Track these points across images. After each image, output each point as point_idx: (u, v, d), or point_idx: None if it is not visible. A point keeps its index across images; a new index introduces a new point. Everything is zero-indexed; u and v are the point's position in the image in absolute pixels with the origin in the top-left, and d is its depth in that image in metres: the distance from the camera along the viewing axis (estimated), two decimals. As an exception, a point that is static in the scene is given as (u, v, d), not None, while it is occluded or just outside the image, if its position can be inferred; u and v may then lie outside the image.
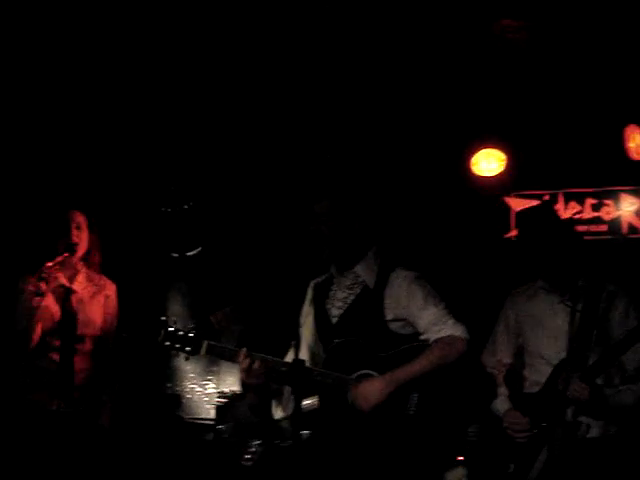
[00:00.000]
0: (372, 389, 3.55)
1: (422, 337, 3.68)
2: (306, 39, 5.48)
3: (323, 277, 3.96)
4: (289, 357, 3.79)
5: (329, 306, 3.83)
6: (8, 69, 5.44)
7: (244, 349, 3.58)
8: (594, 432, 3.77)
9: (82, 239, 4.78)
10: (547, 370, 3.90)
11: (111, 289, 4.92)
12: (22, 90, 5.64)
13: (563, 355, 3.84)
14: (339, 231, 3.73)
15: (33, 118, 5.84)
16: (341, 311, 3.78)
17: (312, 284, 3.96)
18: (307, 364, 3.55)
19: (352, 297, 3.78)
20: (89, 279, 4.85)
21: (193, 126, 6.26)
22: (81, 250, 4.77)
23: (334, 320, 3.78)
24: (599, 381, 3.77)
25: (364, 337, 3.68)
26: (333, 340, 3.72)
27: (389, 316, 3.70)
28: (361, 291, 3.77)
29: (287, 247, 5.55)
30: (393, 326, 3.70)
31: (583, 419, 3.74)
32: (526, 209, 4.39)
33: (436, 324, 3.64)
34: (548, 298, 4.03)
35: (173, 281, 6.78)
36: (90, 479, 4.59)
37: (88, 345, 4.73)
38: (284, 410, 3.83)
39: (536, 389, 3.94)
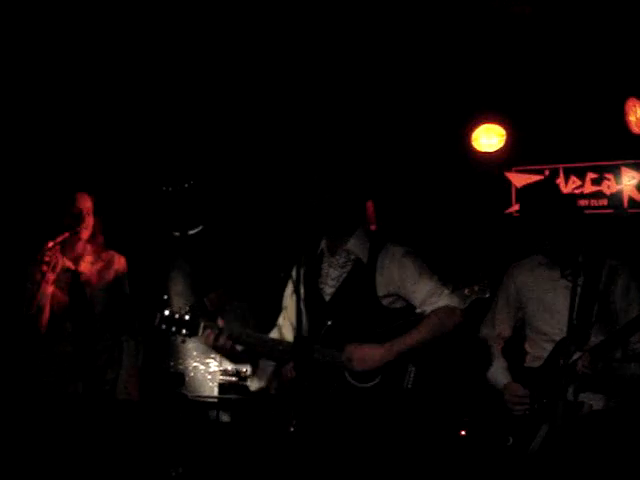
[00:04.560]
0: (370, 353, 3.55)
1: (418, 310, 3.67)
2: (303, 18, 5.47)
3: (310, 256, 3.93)
4: (274, 334, 3.86)
5: (322, 285, 3.81)
6: (13, 57, 5.48)
7: (203, 323, 3.61)
8: (597, 405, 3.76)
9: (88, 223, 4.80)
10: (548, 345, 3.89)
11: (120, 262, 4.92)
12: (27, 76, 5.67)
13: (564, 331, 3.82)
14: (333, 206, 3.71)
15: (36, 101, 5.86)
16: (334, 289, 3.77)
17: (298, 264, 3.94)
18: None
19: (345, 274, 3.76)
20: (96, 258, 4.86)
21: (193, 107, 6.26)
22: (86, 234, 4.78)
23: (327, 298, 3.77)
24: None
25: (358, 314, 3.68)
26: (326, 318, 3.70)
27: (381, 292, 3.69)
28: (353, 268, 3.75)
29: (284, 226, 5.56)
30: (386, 301, 3.70)
31: (584, 397, 3.73)
32: (528, 184, 4.37)
33: (432, 296, 3.64)
34: (549, 273, 4.01)
35: (175, 260, 6.81)
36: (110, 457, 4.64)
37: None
38: (259, 381, 3.87)
39: (537, 364, 3.94)
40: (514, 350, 4.12)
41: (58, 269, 4.65)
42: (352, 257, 3.77)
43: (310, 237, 3.87)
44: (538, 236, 3.96)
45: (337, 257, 3.81)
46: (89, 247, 4.84)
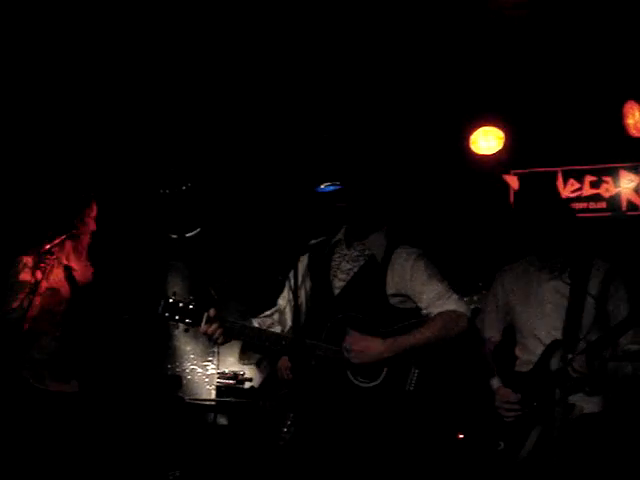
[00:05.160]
0: (370, 347, 3.56)
1: (424, 312, 3.68)
2: (306, 20, 5.46)
3: (317, 242, 3.95)
4: (273, 316, 3.86)
5: (332, 277, 3.81)
6: (15, 61, 5.51)
7: (206, 314, 3.58)
8: (590, 407, 3.75)
9: (93, 230, 4.80)
10: (538, 348, 3.87)
11: (90, 271, 4.90)
12: (26, 78, 5.70)
13: (554, 334, 3.82)
14: (360, 206, 3.77)
15: (35, 103, 5.86)
16: (344, 283, 3.77)
17: (306, 255, 3.94)
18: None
19: (356, 268, 3.78)
20: (81, 261, 4.84)
21: (190, 108, 6.25)
22: (87, 240, 4.76)
23: (336, 292, 3.77)
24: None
25: (364, 310, 3.68)
26: (334, 312, 3.70)
27: (390, 291, 3.71)
28: (365, 263, 3.77)
29: (282, 227, 5.55)
30: (393, 301, 3.72)
31: (575, 400, 3.72)
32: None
33: (439, 299, 3.66)
34: (538, 276, 3.99)
35: (172, 262, 6.80)
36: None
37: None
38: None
39: (526, 368, 3.91)
40: (504, 354, 4.10)
41: (51, 277, 4.60)
42: (367, 252, 3.80)
43: (323, 229, 3.90)
44: (530, 236, 3.95)
45: (352, 250, 3.83)
46: (73, 250, 4.81)
